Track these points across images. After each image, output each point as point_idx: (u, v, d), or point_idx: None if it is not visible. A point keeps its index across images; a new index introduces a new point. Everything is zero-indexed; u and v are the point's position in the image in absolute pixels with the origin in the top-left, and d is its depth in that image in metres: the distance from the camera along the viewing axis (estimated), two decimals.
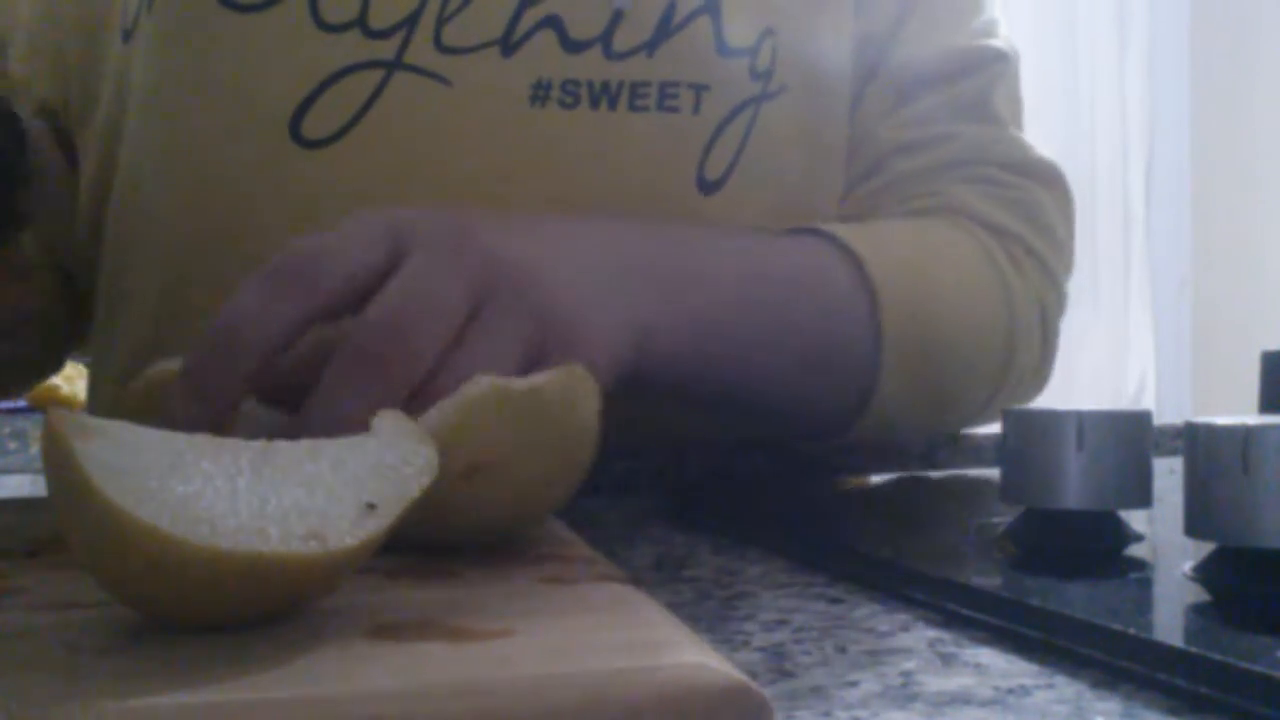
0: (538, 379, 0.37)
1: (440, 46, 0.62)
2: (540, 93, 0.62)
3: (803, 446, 0.71)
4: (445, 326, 0.42)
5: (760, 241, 0.63)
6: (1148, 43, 2.48)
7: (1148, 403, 2.44)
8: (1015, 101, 0.77)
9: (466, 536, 0.38)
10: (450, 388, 0.37)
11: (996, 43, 0.75)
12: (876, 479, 0.71)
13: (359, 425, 0.35)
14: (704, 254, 0.59)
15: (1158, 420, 0.48)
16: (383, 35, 0.61)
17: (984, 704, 0.30)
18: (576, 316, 0.48)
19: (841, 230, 0.65)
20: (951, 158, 0.73)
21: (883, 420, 0.65)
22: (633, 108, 0.63)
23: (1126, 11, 2.47)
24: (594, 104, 0.63)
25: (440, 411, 0.36)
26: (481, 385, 0.36)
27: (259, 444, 0.31)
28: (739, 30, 0.65)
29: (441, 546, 0.37)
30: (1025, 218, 0.73)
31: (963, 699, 0.30)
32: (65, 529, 0.28)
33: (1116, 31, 2.47)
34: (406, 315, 0.41)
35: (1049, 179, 0.76)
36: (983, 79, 0.74)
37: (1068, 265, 0.77)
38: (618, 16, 0.63)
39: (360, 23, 0.61)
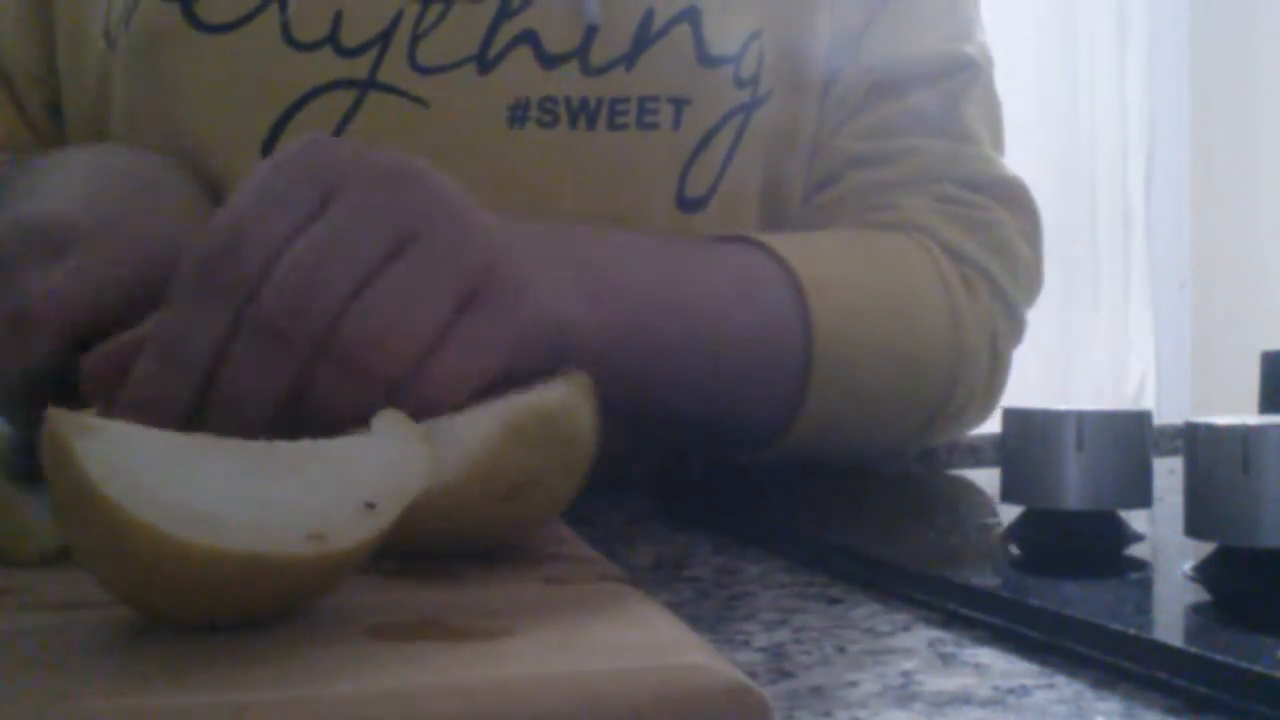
0: (557, 395, 0.37)
1: (415, 65, 0.61)
2: (519, 114, 0.61)
3: (729, 458, 0.67)
4: (351, 280, 0.38)
5: (692, 249, 0.60)
6: (1148, 43, 2.47)
7: (1148, 403, 2.44)
8: (990, 107, 0.73)
9: (489, 546, 0.38)
10: (361, 345, 0.37)
11: (966, 48, 0.71)
12: (876, 480, 0.71)
13: (262, 417, 0.36)
14: (630, 257, 0.56)
15: (1158, 420, 0.48)
16: (355, 53, 0.61)
17: (984, 704, 0.30)
18: (518, 280, 0.43)
19: (779, 242, 0.62)
20: (911, 173, 0.69)
21: (809, 438, 0.62)
22: (612, 126, 0.62)
23: (1126, 12, 2.47)
24: (573, 123, 0.62)
25: (482, 434, 0.36)
26: (520, 408, 0.36)
27: (259, 444, 0.31)
28: (723, 36, 0.64)
29: (449, 552, 0.37)
30: (983, 239, 0.69)
31: (963, 699, 0.30)
32: (65, 529, 0.28)
33: (1116, 31, 2.46)
34: (309, 278, 0.38)
35: (1012, 199, 0.71)
36: (948, 88, 0.70)
37: (1030, 289, 0.72)
38: (591, 30, 0.62)
39: (332, 40, 0.61)
